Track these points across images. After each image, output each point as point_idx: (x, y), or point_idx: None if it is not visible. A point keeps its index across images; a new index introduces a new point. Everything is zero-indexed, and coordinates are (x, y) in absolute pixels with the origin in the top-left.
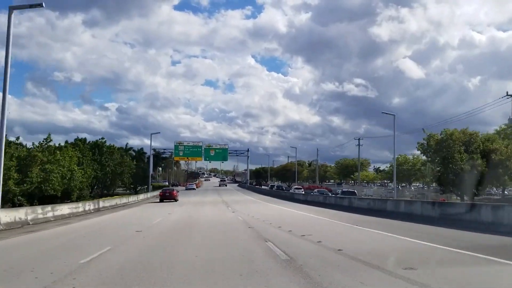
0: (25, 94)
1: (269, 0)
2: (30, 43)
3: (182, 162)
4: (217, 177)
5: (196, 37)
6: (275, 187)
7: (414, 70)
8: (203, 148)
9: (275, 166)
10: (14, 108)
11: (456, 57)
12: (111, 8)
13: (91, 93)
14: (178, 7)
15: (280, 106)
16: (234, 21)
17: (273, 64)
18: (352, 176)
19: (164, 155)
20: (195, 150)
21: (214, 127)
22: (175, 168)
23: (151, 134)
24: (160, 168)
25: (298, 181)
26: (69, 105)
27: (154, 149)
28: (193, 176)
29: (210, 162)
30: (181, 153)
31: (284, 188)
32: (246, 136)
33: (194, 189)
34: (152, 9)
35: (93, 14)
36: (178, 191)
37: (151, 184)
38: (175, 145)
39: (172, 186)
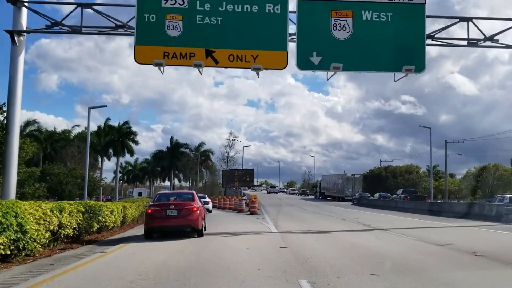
0: (75, 117)
1: None
2: (80, 67)
3: (215, 157)
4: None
5: None
6: None
7: (462, 87)
8: (295, 13)
9: None
10: None
11: (506, 72)
12: None
13: (137, 115)
14: None
15: (322, 125)
16: None
17: (314, 83)
18: None
19: (184, 149)
20: (253, 20)
21: (256, 147)
22: (205, 172)
23: None
24: (182, 176)
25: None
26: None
27: (171, 138)
28: (236, 179)
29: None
30: (177, 32)
31: None
32: (288, 156)
33: (209, 211)
34: None
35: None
36: (206, 204)
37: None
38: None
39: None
